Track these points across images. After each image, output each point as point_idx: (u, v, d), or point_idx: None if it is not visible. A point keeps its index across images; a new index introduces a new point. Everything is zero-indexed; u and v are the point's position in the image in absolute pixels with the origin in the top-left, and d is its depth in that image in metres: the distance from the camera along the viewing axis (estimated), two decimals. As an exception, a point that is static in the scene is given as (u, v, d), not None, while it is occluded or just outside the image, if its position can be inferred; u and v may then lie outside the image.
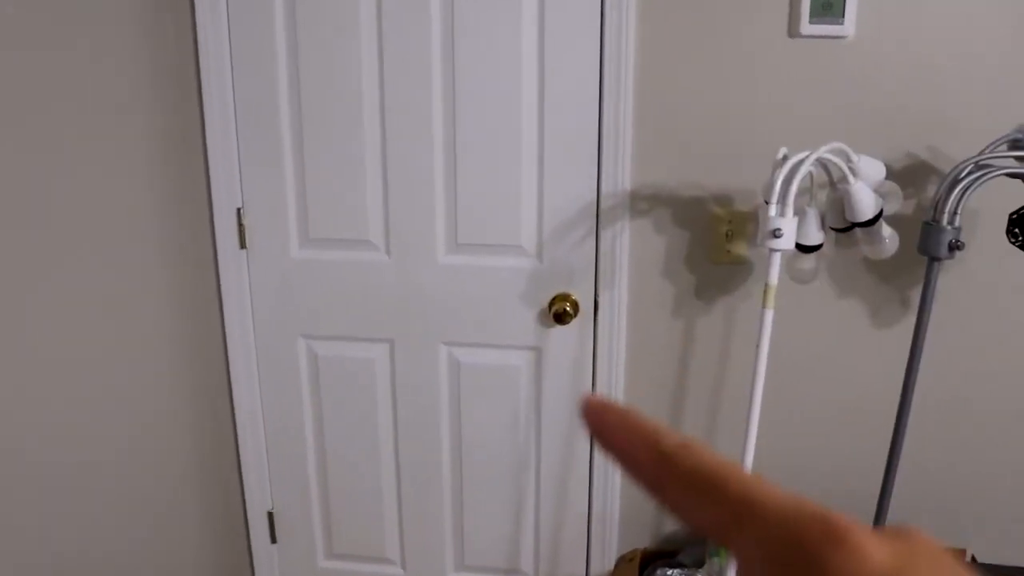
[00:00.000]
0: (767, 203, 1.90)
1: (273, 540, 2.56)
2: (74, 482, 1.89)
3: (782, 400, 2.25)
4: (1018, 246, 1.95)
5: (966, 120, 2.01)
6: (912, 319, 2.15)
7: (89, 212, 1.89)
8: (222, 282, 2.32)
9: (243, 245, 2.30)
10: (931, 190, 2.06)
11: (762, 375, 1.74)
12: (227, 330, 2.35)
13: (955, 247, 1.71)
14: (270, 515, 2.54)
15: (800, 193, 2.05)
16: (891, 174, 2.05)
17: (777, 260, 1.71)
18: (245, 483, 2.49)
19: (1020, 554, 2.32)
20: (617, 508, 2.39)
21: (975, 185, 1.70)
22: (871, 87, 2.02)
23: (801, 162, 1.69)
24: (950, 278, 2.10)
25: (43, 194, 1.75)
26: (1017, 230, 1.96)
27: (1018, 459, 2.25)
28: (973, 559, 2.30)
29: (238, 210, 2.27)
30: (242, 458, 2.46)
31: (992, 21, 1.95)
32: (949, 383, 2.19)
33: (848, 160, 1.81)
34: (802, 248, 1.91)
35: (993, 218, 2.05)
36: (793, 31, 2.02)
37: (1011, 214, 1.97)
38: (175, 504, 2.26)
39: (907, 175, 2.06)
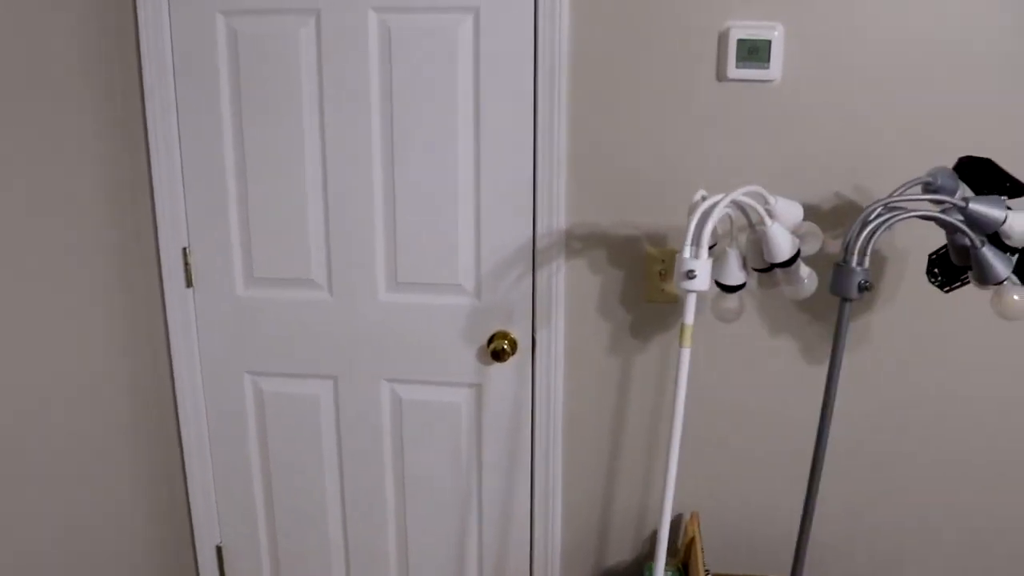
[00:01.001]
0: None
1: (222, 574, 2.61)
2: (17, 521, 1.94)
3: (710, 437, 2.30)
4: (937, 286, 2.00)
5: (889, 161, 2.06)
6: (848, 356, 2.20)
7: (34, 252, 1.94)
8: (169, 320, 2.37)
9: (189, 283, 2.35)
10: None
11: (680, 413, 1.78)
12: (174, 367, 2.40)
13: (864, 288, 1.76)
14: (219, 549, 2.58)
15: (723, 235, 2.11)
16: (818, 215, 2.09)
17: (692, 300, 1.76)
18: (193, 518, 2.53)
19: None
20: (559, 541, 2.43)
21: (884, 226, 1.74)
22: (797, 129, 2.07)
23: (715, 205, 1.75)
24: (880, 317, 2.15)
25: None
26: (936, 270, 2.00)
27: (949, 499, 2.28)
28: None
29: (184, 249, 2.33)
30: (190, 493, 2.51)
31: (915, 64, 2.00)
32: (876, 423, 2.24)
33: (765, 202, 1.86)
34: (725, 288, 1.96)
35: (920, 259, 2.11)
36: (721, 75, 2.07)
37: (930, 255, 2.02)
38: (123, 541, 2.30)
39: (834, 216, 2.11)
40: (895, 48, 2.00)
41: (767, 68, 2.05)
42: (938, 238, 2.07)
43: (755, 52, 2.05)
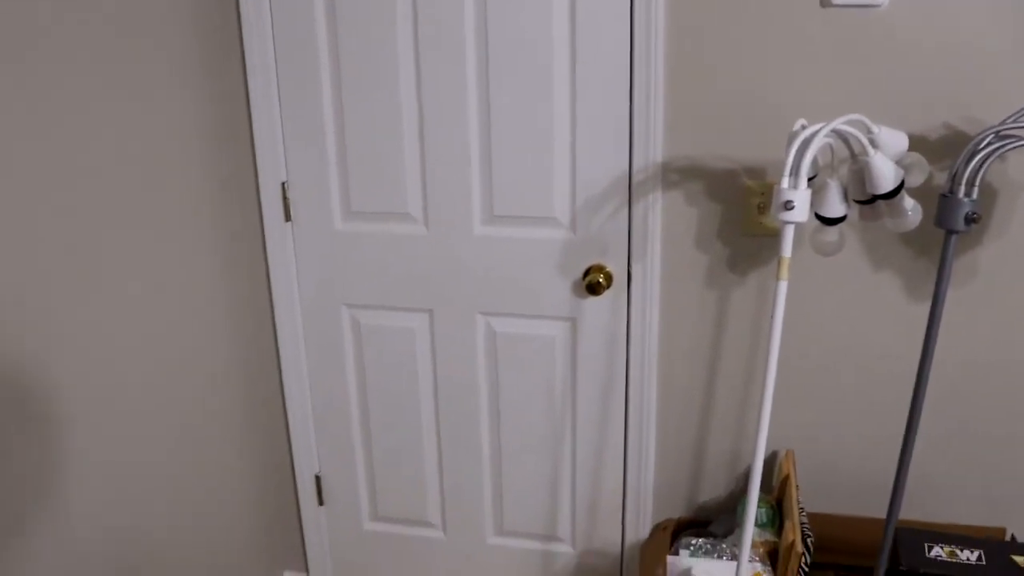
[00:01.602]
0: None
1: (320, 503, 2.68)
2: (129, 452, 2.01)
3: (806, 374, 2.27)
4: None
5: (1001, 90, 1.99)
6: (952, 292, 2.14)
7: (141, 193, 2.00)
8: (269, 254, 2.43)
9: (288, 218, 2.40)
10: (969, 161, 2.05)
11: (776, 347, 1.76)
12: (275, 300, 2.46)
13: (971, 219, 1.71)
14: (317, 479, 2.66)
15: (823, 166, 2.06)
16: (924, 146, 2.03)
17: (790, 232, 1.73)
18: (293, 448, 2.60)
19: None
20: (651, 478, 2.44)
21: (995, 155, 1.69)
22: (904, 57, 2.01)
23: (815, 133, 1.71)
24: (989, 253, 2.08)
25: (97, 176, 1.86)
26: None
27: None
28: (1012, 537, 2.30)
29: (283, 184, 2.37)
30: (290, 424, 2.58)
31: (1027, -12, 1.93)
32: (980, 357, 2.18)
33: (868, 131, 1.81)
34: (824, 220, 1.93)
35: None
36: (825, 1, 2.02)
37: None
38: (227, 468, 2.39)
39: (941, 147, 2.04)
40: (1010, -31, 1.92)
41: (874, -7, 1.99)
42: (1052, 169, 1.99)
43: (861, -24, 1.99)
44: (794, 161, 1.70)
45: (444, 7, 2.15)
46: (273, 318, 2.49)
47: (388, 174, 2.31)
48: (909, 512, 2.34)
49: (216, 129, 2.24)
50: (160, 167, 2.06)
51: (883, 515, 2.34)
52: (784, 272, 1.74)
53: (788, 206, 1.69)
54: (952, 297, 2.14)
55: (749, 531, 1.84)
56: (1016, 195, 2.03)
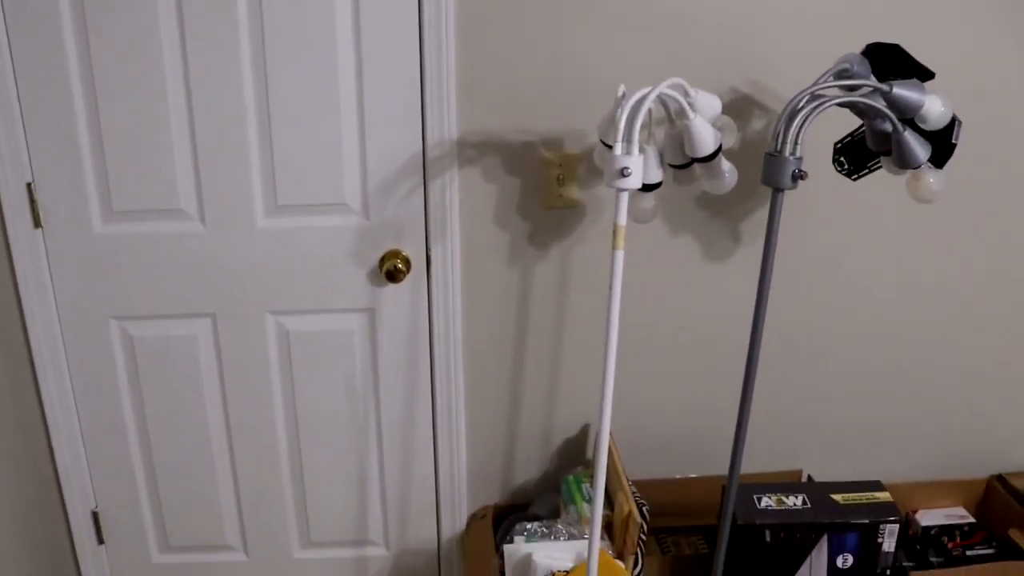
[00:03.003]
0: (605, 144, 1.90)
1: (100, 541, 2.41)
2: None
3: (624, 339, 2.29)
4: (844, 174, 2.04)
5: (784, 55, 2.06)
6: (743, 250, 2.22)
7: None
8: (16, 265, 2.12)
9: (37, 224, 2.12)
10: (754, 124, 2.11)
11: (615, 317, 1.75)
12: (27, 318, 2.16)
13: (798, 177, 1.76)
14: (95, 514, 2.38)
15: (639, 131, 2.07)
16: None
17: (625, 200, 1.70)
18: (63, 482, 2.32)
19: (850, 469, 2.47)
20: (464, 466, 2.37)
21: (812, 115, 1.74)
22: (692, 25, 2.04)
23: (643, 99, 1.69)
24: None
25: None
26: (843, 159, 2.04)
27: (846, 381, 2.37)
28: (810, 478, 2.43)
29: (28, 185, 2.09)
30: (57, 456, 2.29)
31: (808, -50, 2.01)
32: (785, 311, 2.29)
33: (686, 95, 1.83)
34: (643, 187, 1.93)
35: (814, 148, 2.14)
36: (614, -33, 2.01)
37: (836, 143, 2.05)
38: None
39: (730, 110, 2.10)
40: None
41: (662, -42, 2.00)
42: (837, 128, 2.09)
43: (649, -59, 2.00)
44: (626, 127, 1.68)
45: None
46: (27, 338, 2.20)
47: (154, 167, 2.08)
48: (712, 469, 2.42)
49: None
50: None
51: (703, 473, 2.41)
52: (620, 241, 1.72)
53: (625, 172, 1.67)
54: (746, 256, 2.22)
55: (599, 505, 1.83)
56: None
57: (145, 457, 2.34)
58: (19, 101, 2.02)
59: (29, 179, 2.08)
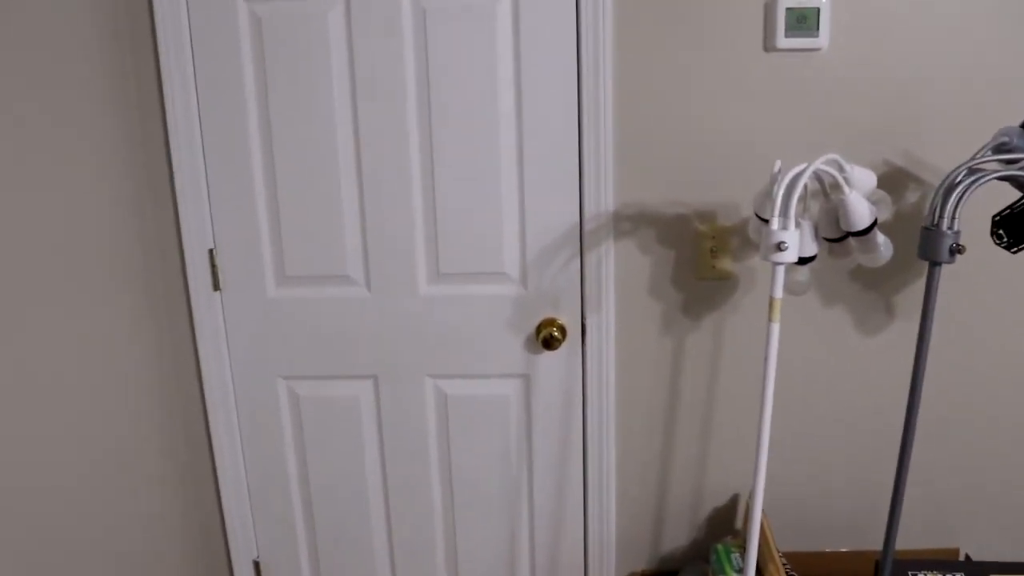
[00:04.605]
0: (760, 218, 1.96)
1: (261, 589, 2.56)
2: (52, 532, 1.87)
3: (775, 410, 2.31)
4: (1003, 247, 2.04)
5: (937, 127, 2.09)
6: (897, 324, 2.22)
7: (61, 259, 1.88)
8: (196, 326, 2.30)
9: (216, 287, 2.28)
10: (908, 197, 2.13)
11: (771, 388, 1.79)
12: (203, 374, 2.33)
13: (956, 251, 1.78)
14: (256, 564, 2.51)
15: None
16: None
17: (781, 273, 1.76)
18: (228, 531, 2.46)
19: (1012, 549, 2.41)
20: (613, 531, 2.42)
21: (971, 190, 1.77)
22: (845, 98, 2.09)
23: (799, 175, 1.75)
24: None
25: (14, 243, 1.74)
26: (1001, 231, 2.04)
27: (1010, 456, 2.33)
28: (967, 557, 2.39)
29: (210, 251, 2.26)
30: (224, 505, 2.43)
31: (961, 31, 2.04)
32: (936, 385, 2.27)
33: (841, 170, 1.87)
34: (798, 260, 1.97)
35: (974, 222, 2.14)
36: (769, 45, 2.08)
37: (994, 216, 2.05)
38: (157, 556, 2.24)
39: (883, 183, 2.13)
40: (941, 11, 2.03)
41: (816, 36, 2.06)
42: (995, 202, 2.10)
43: (803, 20, 2.06)
44: (783, 201, 1.73)
45: (382, 58, 2.10)
46: (202, 393, 2.35)
47: (325, 235, 2.23)
48: (864, 543, 2.40)
49: (136, 194, 2.13)
50: (79, 234, 1.94)
51: (854, 547, 2.39)
52: (776, 314, 1.77)
53: (781, 247, 1.72)
54: (903, 329, 2.23)
55: (751, 574, 1.85)
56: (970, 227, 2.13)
57: (306, 510, 2.46)
58: (206, 172, 2.19)
59: (211, 245, 2.24)
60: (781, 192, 1.73)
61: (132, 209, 2.12)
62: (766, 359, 1.77)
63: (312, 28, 2.09)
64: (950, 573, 2.06)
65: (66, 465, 1.89)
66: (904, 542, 2.39)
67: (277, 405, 2.36)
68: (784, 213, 1.73)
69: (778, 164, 1.83)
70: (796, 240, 1.72)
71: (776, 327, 1.77)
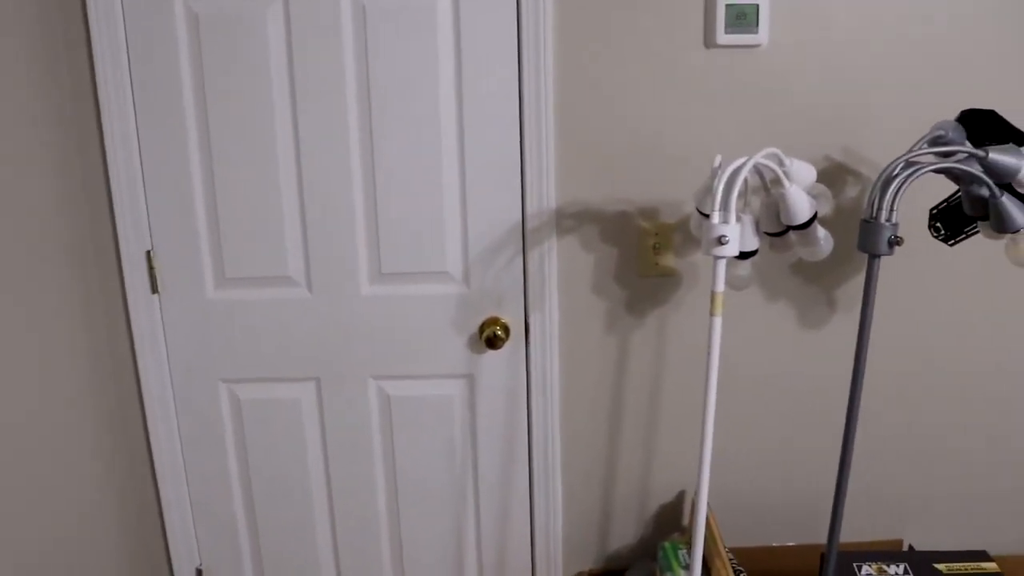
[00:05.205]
0: (701, 212, 1.96)
1: (204, 597, 2.51)
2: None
3: (720, 406, 2.32)
4: (941, 239, 2.06)
5: (875, 122, 2.11)
6: (839, 316, 2.24)
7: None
8: (134, 328, 2.25)
9: (155, 289, 2.24)
10: (848, 191, 2.15)
11: (714, 382, 1.79)
12: (141, 378, 2.28)
13: (894, 243, 1.79)
14: (199, 572, 2.47)
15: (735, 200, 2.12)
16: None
17: (723, 267, 1.75)
18: (170, 539, 2.40)
19: (954, 538, 2.44)
20: (560, 530, 2.41)
21: (908, 182, 1.78)
22: (785, 94, 2.10)
23: (739, 169, 1.75)
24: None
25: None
26: (939, 224, 2.06)
27: (951, 447, 2.36)
28: (911, 547, 2.41)
29: (148, 253, 2.22)
30: (165, 512, 2.38)
31: (900, 27, 2.06)
32: (878, 376, 2.29)
33: (781, 164, 1.88)
34: (739, 255, 1.98)
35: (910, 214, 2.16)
36: (709, 41, 2.08)
37: (931, 209, 2.08)
38: (95, 565, 2.19)
39: (824, 177, 2.15)
40: (878, 6, 2.05)
41: (756, 33, 2.07)
42: (932, 194, 2.13)
43: (743, 17, 2.07)
44: (723, 195, 1.73)
45: (322, 58, 2.08)
46: (141, 398, 2.31)
47: (265, 236, 2.20)
48: (812, 537, 2.41)
49: (69, 194, 2.09)
50: (8, 237, 1.89)
51: (798, 541, 2.40)
52: (718, 308, 1.77)
53: (722, 240, 1.72)
54: (843, 322, 2.24)
55: (697, 573, 1.85)
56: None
57: (249, 515, 2.42)
58: (142, 172, 2.15)
59: (149, 247, 2.20)
60: (721, 186, 1.73)
61: (67, 210, 2.08)
62: (709, 354, 1.78)
63: (251, 26, 2.07)
64: (894, 563, 2.07)
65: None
66: (850, 535, 2.41)
67: (218, 409, 2.33)
68: (724, 207, 1.73)
69: (718, 159, 1.84)
70: (737, 234, 1.73)
71: (718, 321, 1.77)
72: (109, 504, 2.23)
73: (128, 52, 2.09)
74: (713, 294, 1.77)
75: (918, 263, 2.20)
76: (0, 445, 1.84)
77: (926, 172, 1.77)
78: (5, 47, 1.88)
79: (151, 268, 2.22)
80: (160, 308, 2.25)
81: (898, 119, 2.10)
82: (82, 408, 2.13)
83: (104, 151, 2.14)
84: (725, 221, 1.73)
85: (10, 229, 1.89)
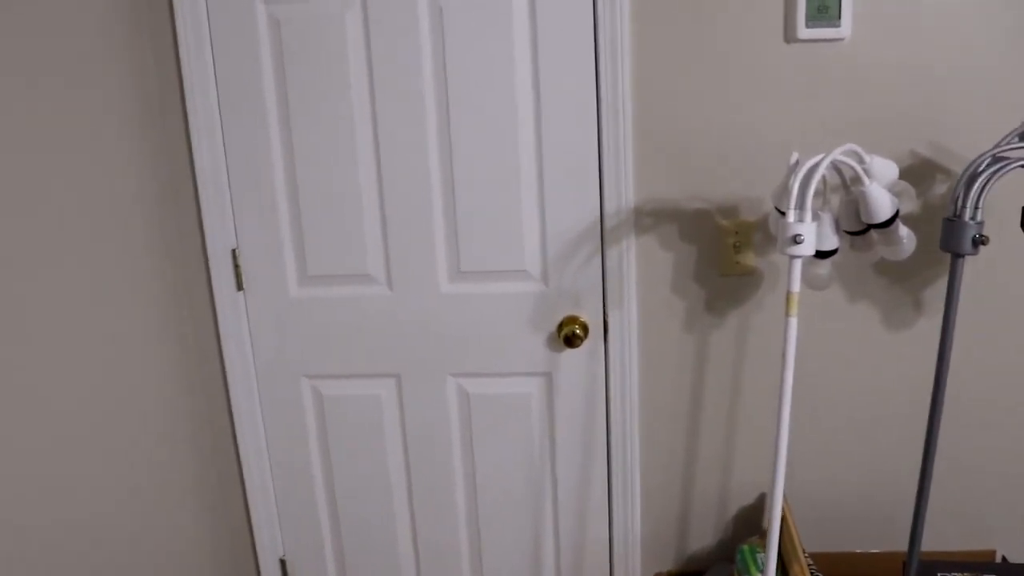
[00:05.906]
0: (779, 211, 1.93)
1: (287, 588, 2.57)
2: (79, 534, 1.88)
3: (801, 409, 2.28)
4: (1033, 239, 1.99)
5: (964, 116, 2.04)
6: (925, 319, 2.18)
7: (84, 261, 1.89)
8: (220, 326, 2.31)
9: (240, 287, 2.30)
10: (936, 188, 2.09)
11: (789, 384, 1.76)
12: (228, 374, 2.34)
13: (979, 242, 1.74)
14: (282, 562, 2.53)
15: (813, 198, 2.08)
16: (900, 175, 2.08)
17: (798, 267, 1.73)
18: (255, 530, 2.47)
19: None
20: (638, 531, 2.39)
21: (994, 178, 1.72)
22: (869, 88, 2.05)
23: (816, 166, 1.72)
24: (963, 274, 2.13)
25: (37, 243, 1.76)
26: (1031, 223, 1.99)
27: (1043, 454, 2.28)
28: (1004, 559, 2.33)
29: (233, 251, 2.27)
30: (250, 504, 2.44)
31: (987, 17, 1.99)
32: (970, 381, 2.22)
33: (861, 161, 1.83)
34: (818, 254, 1.94)
35: (1004, 212, 2.09)
36: (790, 36, 2.05)
37: (1023, 206, 2.01)
38: (184, 555, 2.25)
39: (910, 174, 2.09)
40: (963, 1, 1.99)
41: (838, 26, 2.02)
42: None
43: (825, 10, 2.02)
44: (799, 194, 1.70)
45: (400, 58, 2.10)
46: (227, 394, 2.37)
47: (346, 235, 2.23)
48: (897, 544, 2.35)
49: (158, 194, 2.15)
50: (101, 238, 1.95)
51: (880, 549, 2.35)
52: (794, 308, 1.74)
53: (797, 239, 1.69)
54: (930, 324, 2.18)
55: (771, 574, 1.82)
56: (1002, 216, 2.08)
57: (331, 509, 2.46)
58: (228, 174, 2.20)
59: (234, 246, 2.25)
60: (797, 184, 1.70)
61: (155, 210, 2.14)
62: (784, 355, 1.75)
63: (330, 29, 2.10)
64: (979, 574, 2.01)
65: (90, 469, 1.90)
66: (938, 543, 2.34)
67: (301, 404, 2.37)
68: (800, 205, 1.70)
69: (795, 156, 1.80)
70: (813, 233, 1.69)
71: (794, 321, 1.74)
72: (197, 497, 2.29)
73: (213, 55, 2.14)
74: (789, 294, 1.74)
75: (1010, 261, 2.12)
76: (94, 442, 1.91)
77: (1015, 167, 1.71)
78: (100, 48, 1.94)
79: (236, 266, 2.27)
80: (245, 305, 2.30)
81: (987, 112, 2.03)
82: (172, 405, 2.20)
83: (191, 151, 2.19)
84: (801, 219, 1.70)
85: (101, 228, 1.95)
